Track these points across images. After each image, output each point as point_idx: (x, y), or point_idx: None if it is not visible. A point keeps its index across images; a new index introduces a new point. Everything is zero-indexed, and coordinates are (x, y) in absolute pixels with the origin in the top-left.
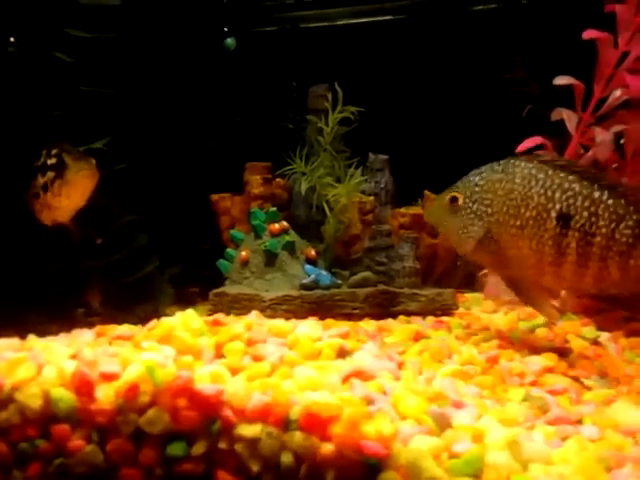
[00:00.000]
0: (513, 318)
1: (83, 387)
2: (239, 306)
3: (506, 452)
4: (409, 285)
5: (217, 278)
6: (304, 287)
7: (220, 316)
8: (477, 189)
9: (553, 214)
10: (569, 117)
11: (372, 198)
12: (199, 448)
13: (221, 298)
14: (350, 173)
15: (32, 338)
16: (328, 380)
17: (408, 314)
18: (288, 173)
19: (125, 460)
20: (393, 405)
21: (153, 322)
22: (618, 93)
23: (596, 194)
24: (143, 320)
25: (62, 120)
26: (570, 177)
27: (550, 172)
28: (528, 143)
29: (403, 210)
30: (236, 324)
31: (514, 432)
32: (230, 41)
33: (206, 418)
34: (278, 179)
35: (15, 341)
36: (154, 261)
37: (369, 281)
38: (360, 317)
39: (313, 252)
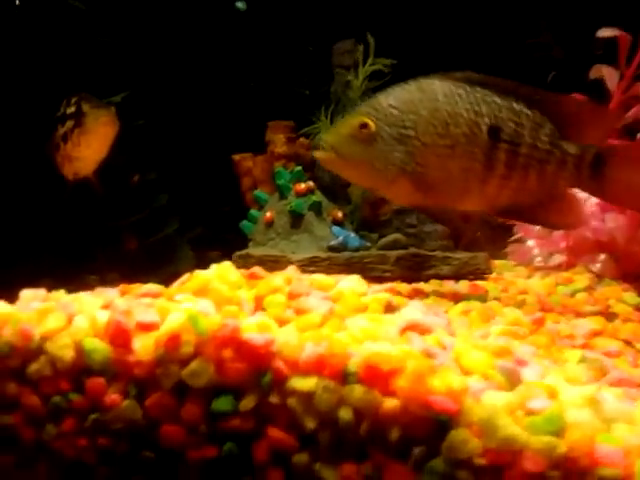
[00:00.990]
0: (550, 282)
1: (119, 337)
2: (265, 268)
3: (587, 410)
4: (441, 248)
5: (238, 241)
6: (332, 249)
7: (257, 269)
8: (393, 111)
9: (484, 128)
10: (610, 74)
11: None
12: (248, 402)
13: (245, 260)
14: None
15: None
16: (385, 332)
17: (440, 278)
18: (312, 132)
19: (166, 416)
20: (455, 360)
21: (186, 275)
22: None
23: (516, 105)
24: (164, 282)
25: (80, 72)
26: (488, 91)
27: (468, 88)
28: None
29: None
30: (275, 277)
31: (589, 390)
32: (240, 4)
33: (255, 370)
34: (302, 138)
35: (41, 291)
36: (174, 223)
37: (399, 243)
38: (391, 280)
39: (340, 214)
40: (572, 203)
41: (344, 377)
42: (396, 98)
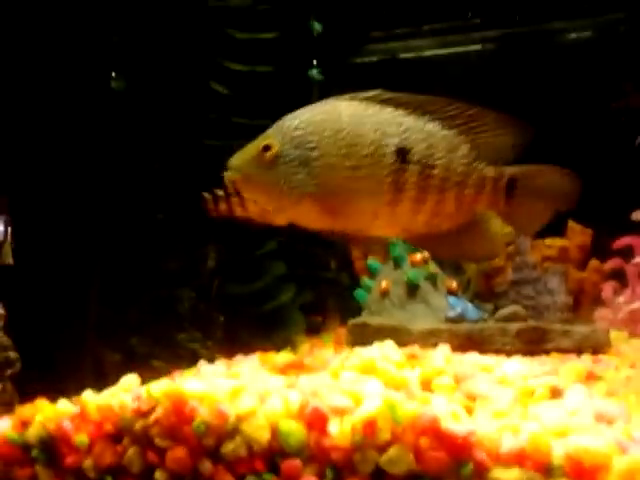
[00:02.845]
0: None
1: (316, 421)
2: (382, 337)
3: None
4: (561, 321)
5: (342, 307)
6: (451, 320)
7: (416, 348)
8: (297, 132)
9: (391, 149)
10: None
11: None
12: None
13: (362, 329)
14: None
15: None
16: (579, 422)
17: (561, 351)
18: None
19: None
20: None
21: (345, 352)
22: None
23: (429, 125)
24: (278, 348)
25: None
26: (400, 111)
27: (377, 107)
28: None
29: (548, 242)
30: (435, 357)
31: None
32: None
33: (455, 460)
34: None
35: (220, 367)
36: (290, 290)
37: (518, 316)
38: (510, 353)
39: (454, 284)
40: (489, 231)
41: (548, 470)
42: (301, 119)
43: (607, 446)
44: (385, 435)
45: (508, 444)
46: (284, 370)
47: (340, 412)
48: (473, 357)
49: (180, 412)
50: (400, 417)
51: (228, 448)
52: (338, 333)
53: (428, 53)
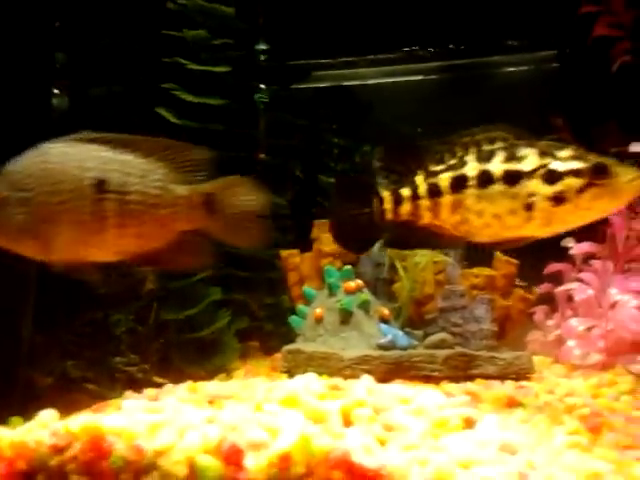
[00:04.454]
0: (594, 384)
1: (232, 455)
2: (315, 364)
3: None
4: (486, 348)
5: (277, 333)
6: (381, 347)
7: (337, 380)
8: (16, 177)
9: (90, 181)
10: None
11: (446, 258)
12: None
13: (295, 355)
14: None
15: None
16: (482, 454)
17: (486, 377)
18: None
19: None
20: None
21: (274, 383)
22: None
23: (125, 156)
24: (211, 374)
25: None
26: (103, 147)
27: (80, 146)
28: None
29: (476, 271)
30: (357, 389)
31: None
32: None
33: None
34: None
35: (143, 401)
36: (226, 315)
37: (446, 342)
38: (438, 380)
39: (386, 311)
40: (194, 244)
41: None
42: (18, 164)
43: (507, 476)
44: (299, 469)
45: (416, 477)
46: (212, 401)
47: (257, 446)
48: (394, 388)
49: (97, 448)
50: (314, 451)
51: None
52: (274, 359)
53: (371, 81)
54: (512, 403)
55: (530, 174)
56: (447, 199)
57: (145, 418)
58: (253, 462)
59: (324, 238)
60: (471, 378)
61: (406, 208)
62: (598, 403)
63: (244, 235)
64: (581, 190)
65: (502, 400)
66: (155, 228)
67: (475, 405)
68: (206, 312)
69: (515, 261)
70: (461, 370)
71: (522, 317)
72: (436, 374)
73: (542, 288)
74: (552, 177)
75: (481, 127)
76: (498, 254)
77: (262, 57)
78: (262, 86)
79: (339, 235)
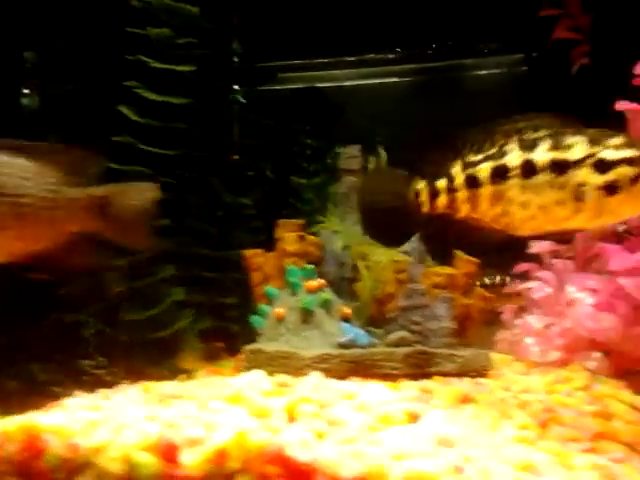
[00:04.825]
0: (550, 381)
1: (168, 452)
2: (276, 364)
3: None
4: (445, 346)
5: (243, 334)
6: (342, 346)
7: (285, 377)
8: None
9: None
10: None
11: (407, 257)
12: None
13: (257, 355)
14: None
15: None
16: (418, 447)
17: (444, 375)
18: (318, 230)
19: None
20: (483, 474)
21: (222, 381)
22: None
23: (20, 161)
24: (172, 375)
25: None
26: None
27: None
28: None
29: (437, 269)
30: (303, 386)
31: None
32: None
33: None
34: (311, 236)
35: (83, 400)
36: (188, 316)
37: (406, 341)
38: (397, 377)
39: (348, 310)
40: (85, 245)
41: None
42: None
43: (440, 468)
44: (235, 464)
45: (349, 470)
46: (162, 400)
47: (194, 443)
48: (342, 384)
49: (32, 446)
50: (250, 446)
51: None
52: (238, 360)
53: (345, 83)
54: (466, 400)
55: (579, 163)
56: (486, 190)
57: (84, 416)
58: (189, 458)
59: (288, 237)
60: (430, 376)
61: (442, 200)
62: (552, 399)
63: (134, 237)
64: (635, 179)
65: (456, 396)
66: (48, 229)
67: (427, 401)
68: (169, 312)
69: (476, 260)
70: (420, 368)
71: (482, 315)
72: (395, 372)
73: (511, 288)
74: (603, 166)
75: (524, 115)
76: (459, 253)
77: (235, 58)
78: (236, 87)
79: (370, 228)
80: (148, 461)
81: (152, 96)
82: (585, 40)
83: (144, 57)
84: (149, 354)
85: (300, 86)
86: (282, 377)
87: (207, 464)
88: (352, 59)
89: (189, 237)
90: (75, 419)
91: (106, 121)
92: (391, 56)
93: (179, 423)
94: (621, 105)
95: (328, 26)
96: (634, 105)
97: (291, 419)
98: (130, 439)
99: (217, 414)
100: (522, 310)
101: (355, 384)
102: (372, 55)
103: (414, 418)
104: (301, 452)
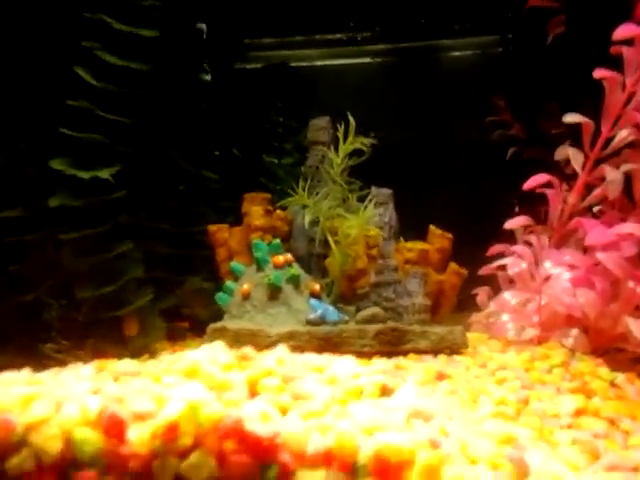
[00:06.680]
0: (527, 358)
1: (113, 427)
2: (242, 341)
3: None
4: (419, 322)
5: (211, 312)
6: (310, 322)
7: (248, 350)
8: None
9: None
10: (575, 156)
11: (379, 232)
12: None
13: (222, 333)
14: (363, 205)
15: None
16: (390, 420)
17: (418, 352)
18: (288, 205)
19: None
20: (461, 448)
21: (177, 355)
22: (625, 133)
23: None
24: (134, 355)
25: None
26: None
27: None
28: (534, 181)
29: (410, 245)
30: (267, 358)
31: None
32: None
33: (260, 463)
34: (279, 211)
35: (24, 374)
36: (148, 294)
37: (378, 317)
38: (369, 355)
39: (317, 286)
40: None
41: (354, 470)
42: None
43: (413, 442)
44: (187, 440)
45: (315, 444)
46: (117, 377)
47: (142, 417)
48: (308, 357)
49: None
50: (203, 420)
51: (12, 462)
52: (204, 340)
53: (317, 62)
54: (441, 376)
55: None
56: None
57: (21, 391)
58: (136, 434)
59: (254, 211)
60: (403, 353)
61: None
62: (530, 376)
63: None
64: None
65: (431, 373)
66: None
67: (400, 376)
68: (126, 290)
69: (450, 235)
70: (393, 345)
71: (455, 291)
72: (367, 349)
73: (484, 270)
74: None
75: None
76: (432, 228)
77: (205, 34)
78: (205, 63)
79: None
80: (91, 437)
81: (112, 59)
82: (561, 8)
83: (105, 17)
84: (110, 334)
85: (273, 63)
86: (244, 350)
87: (156, 440)
88: (326, 37)
89: (147, 211)
90: (10, 394)
91: (61, 82)
92: (366, 36)
93: (127, 397)
94: (599, 73)
95: (302, 4)
96: (613, 73)
97: (253, 393)
98: (71, 414)
99: (171, 388)
100: (496, 293)
101: (324, 358)
102: (346, 34)
103: (387, 392)
104: (261, 426)
